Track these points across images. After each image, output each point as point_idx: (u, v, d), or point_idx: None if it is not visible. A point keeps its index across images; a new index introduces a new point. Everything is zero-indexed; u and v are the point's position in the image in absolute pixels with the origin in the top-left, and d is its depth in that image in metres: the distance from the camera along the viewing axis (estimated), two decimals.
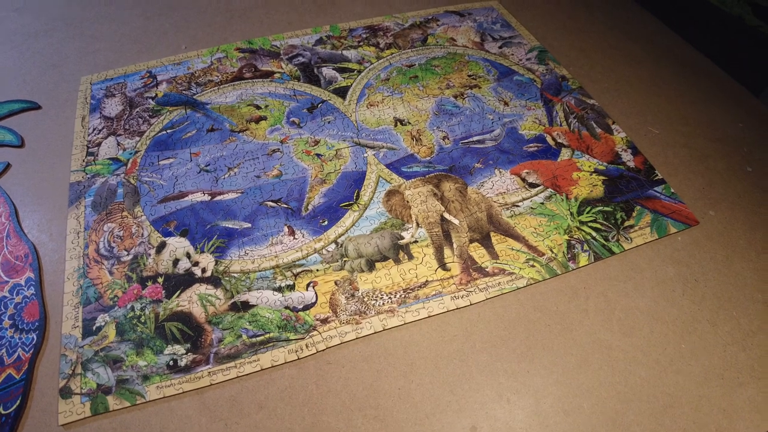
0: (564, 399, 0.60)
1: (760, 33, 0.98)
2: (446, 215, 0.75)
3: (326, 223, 0.75)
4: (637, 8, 1.23)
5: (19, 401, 0.58)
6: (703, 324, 0.67)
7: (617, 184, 0.82)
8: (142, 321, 0.65)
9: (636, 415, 0.59)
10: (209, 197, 0.78)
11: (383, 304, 0.67)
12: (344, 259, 0.71)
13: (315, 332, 0.64)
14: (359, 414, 0.58)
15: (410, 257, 0.72)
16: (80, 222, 0.75)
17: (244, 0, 1.18)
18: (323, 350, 0.63)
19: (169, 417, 0.58)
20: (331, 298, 0.67)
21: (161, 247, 0.72)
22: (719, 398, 0.61)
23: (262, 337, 0.63)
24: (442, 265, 0.71)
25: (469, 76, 0.99)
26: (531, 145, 0.87)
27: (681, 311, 0.68)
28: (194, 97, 0.93)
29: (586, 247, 0.73)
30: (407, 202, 0.77)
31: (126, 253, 0.71)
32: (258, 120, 0.90)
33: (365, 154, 0.85)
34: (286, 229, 0.74)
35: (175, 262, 0.71)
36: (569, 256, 0.72)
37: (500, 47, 1.07)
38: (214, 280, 0.69)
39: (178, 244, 0.72)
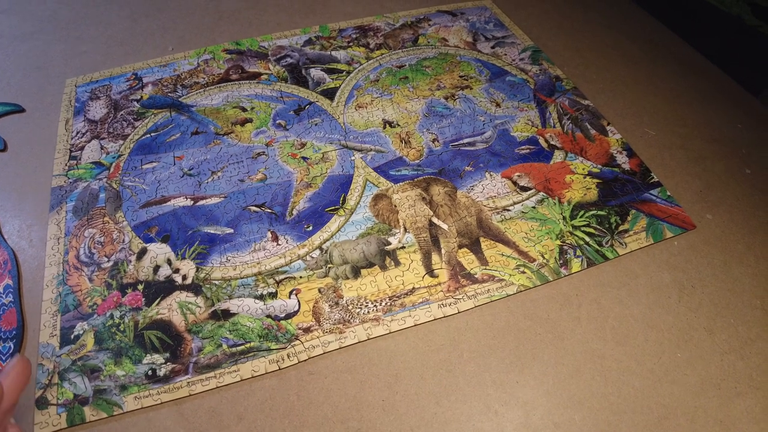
0: (554, 411, 0.58)
1: (760, 33, 0.96)
2: (435, 220, 0.74)
3: (311, 228, 0.73)
4: (633, 7, 1.21)
5: None
6: (700, 332, 0.65)
7: (612, 187, 0.80)
8: (121, 329, 0.63)
9: (629, 427, 0.57)
10: (192, 202, 0.76)
11: (368, 312, 0.65)
12: (329, 265, 0.69)
13: (297, 342, 0.62)
14: (341, 426, 0.56)
15: (397, 263, 0.70)
16: (61, 228, 0.73)
17: (233, 1, 1.16)
18: (305, 360, 0.61)
19: (147, 428, 0.56)
20: (314, 307, 0.65)
21: (142, 253, 0.70)
22: (716, 409, 0.59)
23: (242, 347, 0.62)
24: (430, 272, 0.69)
25: (461, 76, 0.97)
26: (523, 147, 0.85)
27: (677, 319, 0.66)
28: (180, 99, 0.92)
29: (578, 252, 0.71)
30: (395, 206, 0.75)
31: (106, 259, 0.70)
32: (243, 122, 0.88)
33: (353, 157, 0.83)
34: (269, 234, 0.72)
35: (156, 268, 0.69)
36: (561, 261, 0.70)
37: (493, 47, 1.05)
38: (195, 288, 0.67)
39: (159, 251, 0.70)
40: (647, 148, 0.88)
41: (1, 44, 1.05)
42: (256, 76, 0.96)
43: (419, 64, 1.00)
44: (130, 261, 0.69)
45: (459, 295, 0.67)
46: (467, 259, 0.70)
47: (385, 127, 0.88)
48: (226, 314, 0.64)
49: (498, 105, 0.93)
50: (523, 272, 0.69)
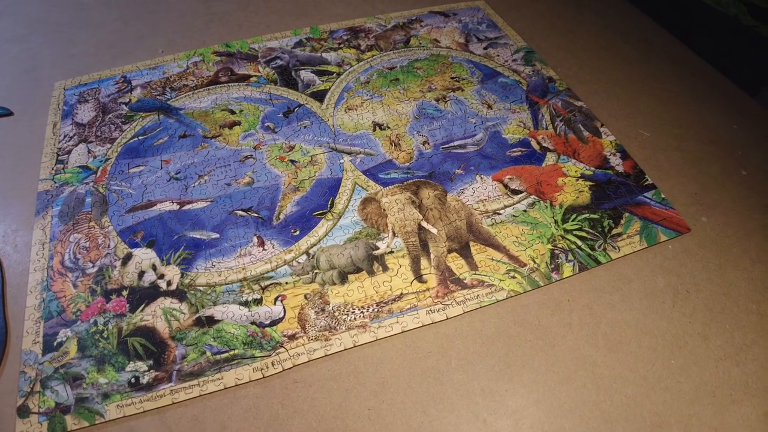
0: (544, 420, 0.57)
1: (756, 33, 0.95)
2: (424, 224, 0.72)
3: (298, 232, 0.72)
4: (628, 7, 1.20)
5: None
6: (694, 338, 0.64)
7: (605, 190, 0.78)
8: (105, 336, 0.62)
9: None
10: (178, 206, 0.75)
11: (355, 318, 0.64)
12: (315, 271, 0.68)
13: (282, 349, 0.61)
14: None
15: (385, 269, 0.68)
16: (46, 233, 0.72)
17: (224, 3, 1.16)
18: (290, 368, 0.60)
19: None
20: (299, 313, 0.64)
21: (127, 258, 0.69)
22: (710, 417, 0.58)
23: (226, 354, 0.60)
24: (418, 277, 0.68)
25: (452, 78, 0.96)
26: (514, 149, 0.84)
27: (671, 324, 0.65)
28: (168, 102, 0.91)
29: (570, 256, 0.70)
30: (384, 210, 0.74)
31: (91, 264, 0.69)
32: (232, 125, 0.87)
33: (341, 161, 0.82)
34: (255, 239, 0.71)
35: (141, 274, 0.68)
36: (552, 266, 0.69)
37: (485, 48, 1.04)
38: (179, 294, 0.66)
39: (144, 256, 0.69)
40: (641, 149, 0.86)
41: None
42: (245, 78, 0.95)
43: (410, 66, 0.99)
44: (115, 266, 0.68)
45: (448, 300, 0.65)
46: (457, 263, 0.69)
47: (375, 130, 0.87)
48: (211, 321, 0.63)
49: (490, 107, 0.91)
50: (514, 277, 0.68)
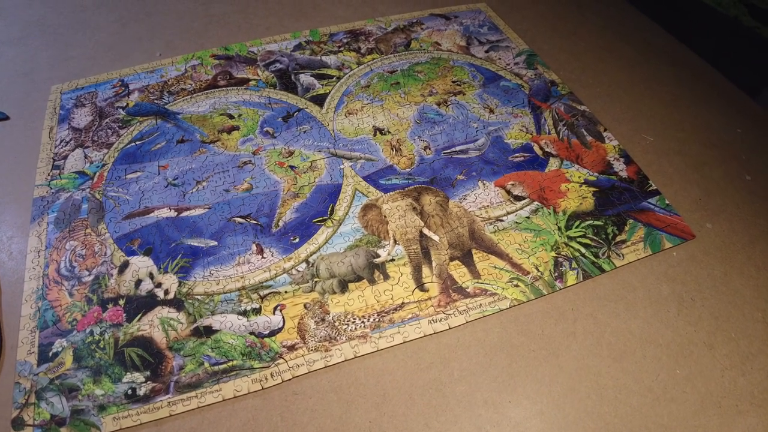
0: None
1: (757, 34, 0.94)
2: (425, 231, 0.71)
3: (297, 240, 0.71)
4: (631, 10, 1.19)
5: None
6: (700, 347, 0.63)
7: (609, 196, 0.78)
8: (101, 346, 0.61)
9: None
10: (175, 213, 0.74)
11: (355, 329, 0.63)
12: (315, 279, 0.67)
13: (281, 360, 0.60)
14: None
15: (386, 277, 0.67)
16: (42, 240, 0.71)
17: (222, 5, 1.14)
18: (289, 380, 0.59)
19: None
20: (299, 323, 0.63)
21: (124, 266, 0.68)
22: (717, 428, 0.57)
23: (224, 365, 0.59)
24: (420, 286, 0.67)
25: (454, 82, 0.95)
26: (517, 154, 0.83)
27: (676, 333, 0.64)
28: (166, 106, 0.90)
29: (574, 264, 0.69)
30: (384, 217, 0.73)
31: (87, 273, 0.68)
32: (230, 130, 0.86)
33: (342, 166, 0.81)
34: (254, 247, 0.70)
35: (138, 282, 0.67)
36: (556, 274, 0.68)
37: (487, 51, 1.03)
38: (177, 303, 0.65)
39: (141, 264, 0.68)
40: (645, 154, 0.85)
41: None
42: (244, 82, 0.94)
43: (411, 69, 0.98)
44: (112, 275, 0.67)
45: (450, 310, 0.64)
46: (459, 272, 0.68)
47: (375, 135, 0.86)
48: (209, 331, 0.62)
49: (491, 111, 0.90)
50: (517, 286, 0.67)
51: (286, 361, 0.60)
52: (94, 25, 1.09)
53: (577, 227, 0.73)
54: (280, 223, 0.73)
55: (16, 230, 0.73)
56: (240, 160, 0.81)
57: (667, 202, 0.78)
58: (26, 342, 0.62)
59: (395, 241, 0.71)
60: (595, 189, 0.78)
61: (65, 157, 0.82)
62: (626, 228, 0.74)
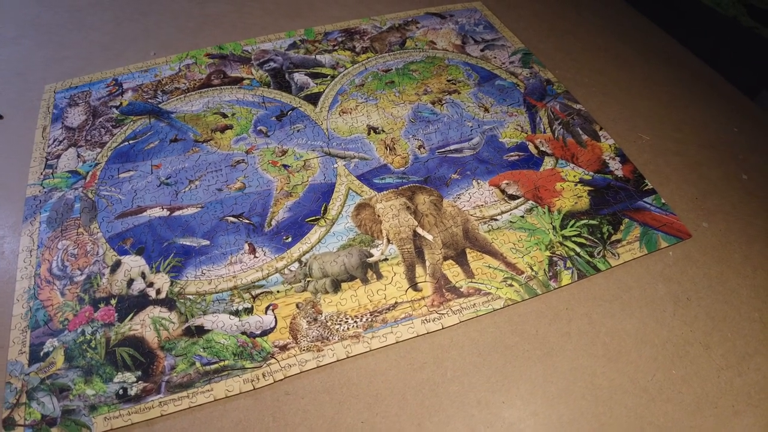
0: None
1: (756, 34, 0.94)
2: (419, 230, 0.71)
3: (290, 239, 0.71)
4: (628, 9, 1.19)
5: None
6: (696, 347, 0.63)
7: (604, 195, 0.77)
8: (93, 346, 0.61)
9: None
10: (168, 212, 0.74)
11: (348, 328, 0.62)
12: (308, 279, 0.66)
13: (273, 360, 0.59)
14: None
15: (379, 276, 0.67)
16: (34, 239, 0.71)
17: (217, 4, 1.14)
18: (281, 380, 0.58)
19: None
20: (291, 323, 0.62)
21: (116, 266, 0.68)
22: (713, 428, 0.56)
23: (216, 365, 0.59)
24: (413, 285, 0.66)
25: (449, 81, 0.95)
26: (512, 153, 0.83)
27: (672, 333, 0.64)
28: (159, 105, 0.89)
29: (569, 264, 0.69)
30: (378, 216, 0.73)
31: (79, 272, 0.67)
32: (223, 129, 0.86)
33: (335, 165, 0.80)
34: (246, 246, 0.70)
35: (130, 282, 0.66)
36: (551, 274, 0.68)
37: (482, 50, 1.02)
38: (169, 303, 0.64)
39: (133, 263, 0.68)
40: (641, 153, 0.85)
41: None
42: (238, 81, 0.94)
43: (406, 68, 0.97)
44: (104, 274, 0.67)
45: (443, 309, 0.64)
46: (453, 271, 0.68)
47: (369, 134, 0.85)
48: (200, 331, 0.62)
49: (486, 110, 0.90)
50: (511, 285, 0.66)
51: (278, 361, 0.59)
52: (89, 25, 1.08)
53: (572, 226, 0.73)
54: (273, 223, 0.73)
55: (8, 230, 0.73)
56: (233, 159, 0.81)
57: (663, 201, 0.77)
58: (17, 342, 0.61)
59: (388, 241, 0.70)
60: (590, 188, 0.78)
61: (58, 157, 0.81)
62: (622, 227, 0.73)
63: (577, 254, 0.70)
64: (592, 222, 0.73)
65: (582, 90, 0.96)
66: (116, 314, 0.63)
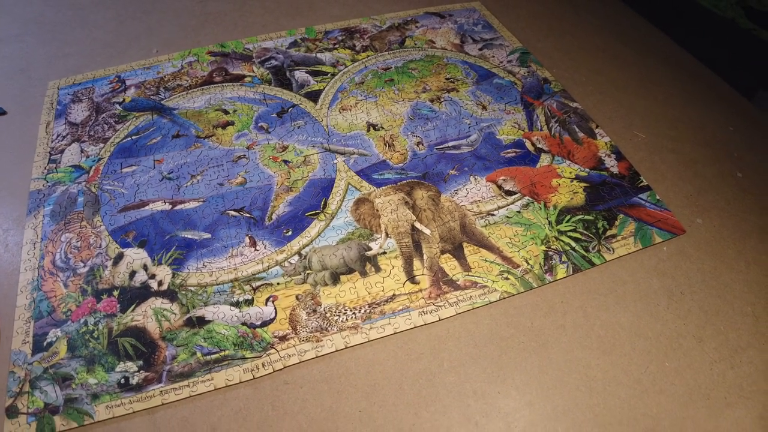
0: (537, 422, 0.56)
1: (753, 36, 0.95)
2: (417, 225, 0.72)
3: (290, 233, 0.72)
4: (625, 9, 1.20)
5: None
6: (689, 340, 0.64)
7: (599, 191, 0.78)
8: (95, 336, 0.62)
9: None
10: (170, 206, 0.75)
11: (346, 320, 0.63)
12: (307, 271, 0.67)
13: (272, 350, 0.60)
14: None
15: (377, 269, 0.68)
16: (38, 232, 0.72)
17: (219, 3, 1.15)
18: (280, 369, 0.59)
19: None
20: (291, 314, 0.63)
21: (118, 258, 0.69)
22: (705, 420, 0.57)
23: (216, 355, 0.60)
24: (411, 278, 0.67)
25: (447, 79, 0.96)
26: (509, 150, 0.84)
27: (665, 326, 0.65)
28: (162, 102, 0.91)
29: (564, 258, 0.70)
30: (377, 210, 0.74)
31: (82, 264, 0.68)
32: (225, 125, 0.87)
33: (335, 161, 0.82)
34: (247, 239, 0.71)
35: (132, 274, 0.67)
36: (546, 267, 0.69)
37: (481, 49, 1.03)
38: (170, 294, 0.65)
39: (135, 256, 0.69)
40: (637, 151, 0.86)
41: None
42: (239, 78, 0.95)
43: (405, 67, 0.99)
44: (107, 266, 0.68)
45: (440, 302, 0.65)
46: (450, 264, 0.69)
47: (369, 130, 0.87)
48: (201, 321, 0.63)
49: (484, 108, 0.91)
50: (507, 278, 0.67)
51: (278, 351, 0.60)
52: (92, 23, 1.10)
53: (567, 222, 0.74)
54: (273, 217, 0.74)
55: (12, 223, 0.74)
56: (234, 155, 0.82)
57: (658, 197, 0.78)
58: (21, 332, 0.62)
59: (387, 235, 0.71)
60: (586, 184, 0.79)
61: (62, 152, 0.82)
62: (617, 223, 0.74)
63: (573, 249, 0.71)
64: (587, 217, 0.75)
65: (579, 89, 0.97)
66: (118, 305, 0.64)
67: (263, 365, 0.59)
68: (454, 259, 0.69)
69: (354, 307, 0.64)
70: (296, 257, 0.69)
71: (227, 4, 1.15)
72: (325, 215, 0.74)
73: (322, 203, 0.75)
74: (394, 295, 0.66)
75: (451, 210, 0.75)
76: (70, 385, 0.58)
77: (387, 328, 0.62)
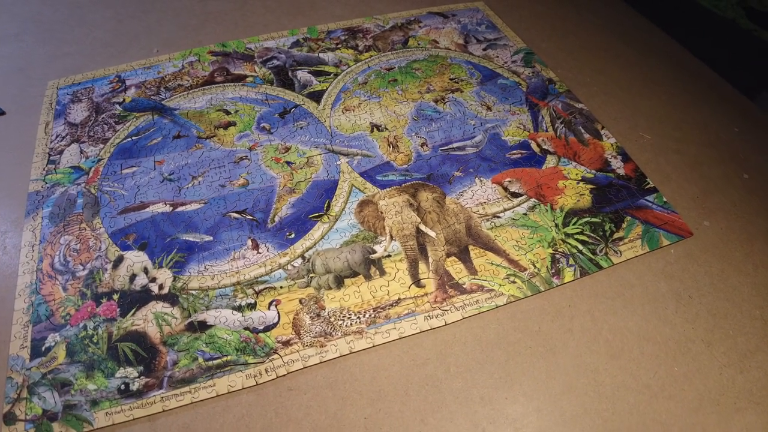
0: (545, 429, 0.55)
1: (754, 36, 0.94)
2: (422, 227, 0.71)
3: (293, 235, 0.71)
4: (629, 10, 1.20)
5: None
6: (698, 344, 0.63)
7: (606, 193, 0.77)
8: (95, 341, 0.60)
9: None
10: (171, 208, 0.74)
11: (351, 324, 0.62)
12: (311, 275, 0.66)
13: (276, 356, 0.59)
14: None
15: (382, 273, 0.67)
16: (36, 234, 0.71)
17: (219, 2, 1.14)
18: (284, 375, 0.58)
19: None
20: (294, 319, 0.62)
21: (118, 261, 0.68)
22: (714, 426, 0.56)
23: (219, 361, 0.59)
24: (416, 282, 0.66)
25: (451, 79, 0.95)
26: (514, 151, 0.83)
27: (674, 330, 0.64)
28: (163, 102, 0.89)
29: (571, 261, 0.69)
30: (381, 212, 0.73)
31: (82, 267, 0.67)
32: (227, 126, 0.86)
33: (338, 162, 0.81)
34: (249, 242, 0.70)
35: (132, 277, 0.66)
36: (553, 271, 0.68)
37: (485, 49, 1.03)
38: (171, 298, 0.64)
39: (135, 259, 0.68)
40: (642, 152, 0.85)
41: None
42: (241, 78, 0.94)
43: (409, 67, 0.98)
44: (106, 269, 0.67)
45: (446, 306, 0.64)
46: (455, 268, 0.68)
47: (372, 131, 0.86)
48: (203, 326, 0.62)
49: (489, 108, 0.90)
50: (514, 282, 0.66)
51: (281, 357, 0.59)
52: (91, 22, 1.08)
53: (574, 224, 0.73)
54: (276, 219, 0.73)
55: (10, 225, 0.73)
56: (236, 156, 0.81)
57: (664, 199, 0.77)
58: (19, 336, 0.61)
59: (392, 237, 0.70)
60: (592, 186, 0.78)
61: (61, 152, 0.81)
62: (624, 225, 0.73)
63: (580, 251, 0.70)
64: (594, 220, 0.74)
65: (584, 89, 0.96)
66: (118, 309, 0.63)
67: (266, 371, 0.58)
68: (459, 262, 0.68)
69: (358, 312, 0.63)
70: (299, 260, 0.68)
71: (228, 3, 1.14)
72: (328, 217, 0.73)
73: (326, 205, 0.74)
74: (399, 299, 0.65)
75: (456, 212, 0.74)
76: (69, 391, 0.56)
77: (392, 333, 0.62)
